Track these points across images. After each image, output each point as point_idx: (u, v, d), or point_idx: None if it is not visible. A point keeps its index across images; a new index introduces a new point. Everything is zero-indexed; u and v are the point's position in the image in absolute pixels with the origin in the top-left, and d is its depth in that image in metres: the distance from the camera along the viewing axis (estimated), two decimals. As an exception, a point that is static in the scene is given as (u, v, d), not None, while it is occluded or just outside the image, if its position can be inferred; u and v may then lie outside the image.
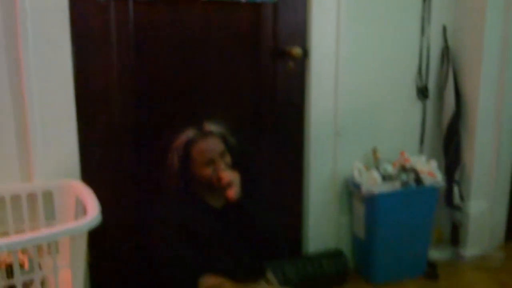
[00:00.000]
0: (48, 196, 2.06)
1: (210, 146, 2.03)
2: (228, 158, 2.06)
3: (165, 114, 2.38)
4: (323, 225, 2.86)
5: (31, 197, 2.04)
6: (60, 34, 2.04)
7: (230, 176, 1.97)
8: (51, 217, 2.06)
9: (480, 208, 3.13)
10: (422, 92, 3.01)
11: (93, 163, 2.24)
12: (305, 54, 2.61)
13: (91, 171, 2.22)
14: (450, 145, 3.03)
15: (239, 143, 2.13)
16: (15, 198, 2.01)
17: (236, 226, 2.03)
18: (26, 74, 1.97)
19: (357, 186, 2.76)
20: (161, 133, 2.28)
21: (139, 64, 2.29)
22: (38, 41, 1.98)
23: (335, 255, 2.83)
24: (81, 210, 1.94)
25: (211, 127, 2.08)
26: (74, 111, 2.12)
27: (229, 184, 1.96)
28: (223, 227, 2.04)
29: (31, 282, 1.70)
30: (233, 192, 1.95)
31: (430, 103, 3.08)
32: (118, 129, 2.30)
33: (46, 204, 2.05)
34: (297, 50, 2.53)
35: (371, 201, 2.73)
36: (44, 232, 1.63)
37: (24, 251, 1.78)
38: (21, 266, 1.74)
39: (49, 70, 2.03)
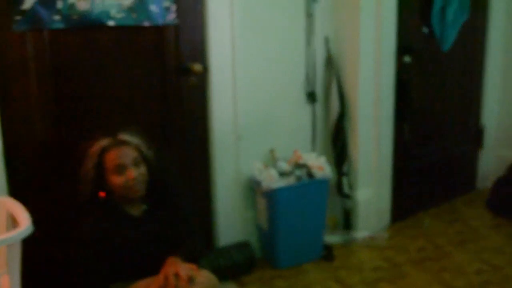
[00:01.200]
0: None
1: (122, 153, 2.06)
2: (143, 169, 2.11)
3: (83, 129, 2.46)
4: (231, 220, 3.03)
5: None
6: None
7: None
8: None
9: (366, 195, 3.40)
10: (311, 96, 3.25)
11: (20, 180, 2.34)
12: (205, 69, 2.77)
13: (18, 185, 2.32)
14: (337, 142, 3.29)
15: (155, 156, 2.19)
16: None
17: (154, 231, 2.12)
18: None
19: (258, 183, 2.96)
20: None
21: (57, 87, 2.40)
22: None
23: (243, 246, 3.01)
24: (11, 224, 2.01)
25: (125, 137, 2.12)
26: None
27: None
28: (142, 234, 2.09)
29: None
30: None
31: (319, 105, 3.31)
32: (40, 149, 2.40)
33: None
34: (197, 67, 2.70)
35: (271, 196, 2.94)
36: None
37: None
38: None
39: None
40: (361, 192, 3.40)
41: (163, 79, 2.72)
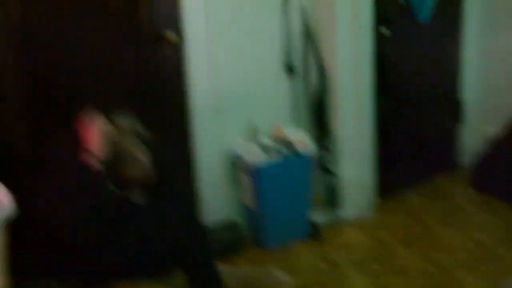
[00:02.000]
0: None
1: None
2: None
3: (56, 102, 2.43)
4: (216, 199, 2.97)
5: None
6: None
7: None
8: None
9: (350, 172, 3.32)
10: (289, 69, 3.16)
11: None
12: (180, 39, 2.69)
13: None
14: (318, 116, 3.22)
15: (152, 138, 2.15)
16: None
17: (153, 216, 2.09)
18: None
19: (240, 159, 2.90)
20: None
21: (27, 57, 2.33)
22: None
23: (230, 226, 2.96)
24: None
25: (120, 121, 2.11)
26: None
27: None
28: (141, 218, 2.07)
29: None
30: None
31: (299, 78, 3.23)
32: (15, 126, 2.35)
33: None
34: (172, 35, 2.64)
35: (256, 173, 2.87)
36: None
37: None
38: None
39: None
40: (344, 169, 3.33)
41: (136, 47, 2.65)
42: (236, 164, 3.02)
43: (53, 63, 2.41)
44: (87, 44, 2.49)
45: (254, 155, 2.86)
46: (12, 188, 1.83)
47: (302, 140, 3.02)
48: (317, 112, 3.24)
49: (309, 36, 3.18)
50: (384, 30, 3.37)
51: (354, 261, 2.88)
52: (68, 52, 2.44)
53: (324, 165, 3.27)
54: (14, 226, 1.77)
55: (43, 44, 2.38)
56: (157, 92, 2.68)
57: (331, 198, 3.36)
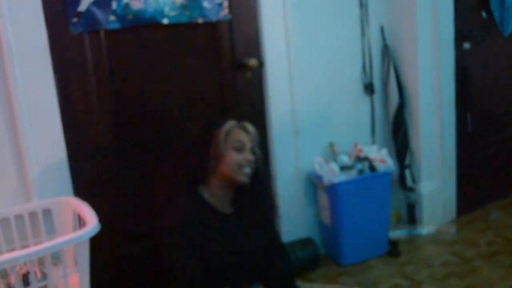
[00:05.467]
0: (47, 213, 2.18)
1: (245, 135, 2.13)
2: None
3: (142, 128, 2.54)
4: (293, 217, 2.98)
5: (32, 215, 2.16)
6: (43, 68, 2.19)
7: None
8: (51, 232, 2.18)
9: (431, 188, 3.30)
10: (369, 88, 3.19)
11: (84, 181, 2.38)
12: (261, 64, 2.75)
13: (83, 186, 2.36)
14: (398, 133, 3.21)
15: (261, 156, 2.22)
16: (18, 218, 2.14)
17: (243, 231, 2.12)
18: (17, 106, 2.12)
19: (319, 178, 2.91)
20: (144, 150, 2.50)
21: (115, 87, 2.43)
22: (25, 76, 2.13)
23: (307, 243, 2.97)
24: (77, 223, 2.09)
25: (247, 125, 2.18)
26: (62, 136, 2.27)
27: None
28: (231, 230, 2.10)
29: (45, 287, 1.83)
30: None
31: (377, 96, 3.24)
32: (102, 149, 2.43)
33: (46, 221, 2.18)
34: (253, 61, 2.69)
35: (332, 190, 2.89)
36: (57, 241, 1.76)
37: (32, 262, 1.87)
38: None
39: (37, 100, 2.18)
40: (425, 185, 3.31)
41: (219, 75, 2.70)
42: (314, 183, 3.06)
43: (139, 92, 2.54)
44: (175, 77, 2.61)
45: (333, 174, 2.87)
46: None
47: (381, 157, 3.01)
48: (396, 129, 3.23)
49: (388, 54, 3.19)
50: (466, 45, 3.34)
51: (436, 278, 2.82)
52: (155, 81, 2.56)
53: (403, 182, 3.27)
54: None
55: (132, 82, 2.51)
56: (238, 115, 2.74)
57: (410, 215, 3.35)
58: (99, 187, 2.44)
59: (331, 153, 3.04)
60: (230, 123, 2.13)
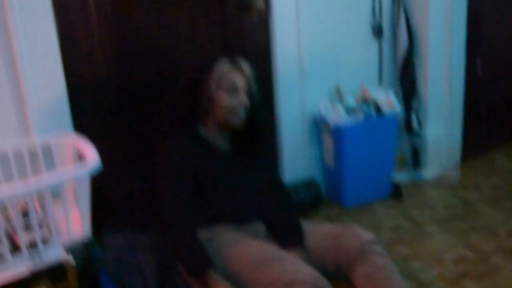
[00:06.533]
0: (47, 150, 2.15)
1: (239, 76, 2.03)
2: (248, 102, 2.05)
3: (144, 65, 2.51)
4: (296, 158, 3.00)
5: (32, 151, 2.13)
6: (43, 4, 2.15)
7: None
8: (51, 169, 2.13)
9: (436, 132, 3.31)
10: (377, 30, 3.15)
11: (84, 117, 2.36)
12: (267, 5, 2.71)
13: (83, 123, 2.34)
14: (406, 77, 3.20)
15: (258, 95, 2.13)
16: (17, 155, 2.10)
17: (241, 169, 2.09)
18: (16, 38, 2.07)
19: (324, 120, 2.92)
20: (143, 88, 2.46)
21: (117, 24, 2.39)
22: (23, 8, 2.08)
23: (310, 183, 2.99)
24: (77, 161, 2.07)
25: (242, 63, 2.06)
26: (61, 68, 2.23)
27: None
28: (229, 168, 2.05)
29: (44, 223, 1.85)
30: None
31: (386, 39, 3.21)
32: (103, 85, 2.41)
33: (46, 158, 2.14)
34: (259, 2, 2.65)
35: (338, 133, 2.90)
36: (57, 174, 1.75)
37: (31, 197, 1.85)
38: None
39: (36, 36, 2.14)
40: (430, 129, 3.32)
41: (224, 15, 2.67)
42: (318, 124, 3.06)
43: (142, 29, 2.50)
44: (180, 15, 2.56)
45: (338, 116, 2.88)
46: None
47: (388, 100, 3.00)
48: (405, 73, 3.20)
49: (399, -4, 3.13)
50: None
51: (438, 220, 2.85)
52: (158, 20, 2.52)
53: (409, 126, 3.27)
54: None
55: (135, 17, 2.46)
56: (244, 55, 2.74)
57: (415, 159, 3.36)
58: (99, 123, 2.43)
59: (337, 96, 3.03)
60: (222, 65, 2.05)
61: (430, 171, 3.37)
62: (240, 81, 2.04)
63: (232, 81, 2.02)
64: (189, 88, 2.10)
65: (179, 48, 2.59)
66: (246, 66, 2.08)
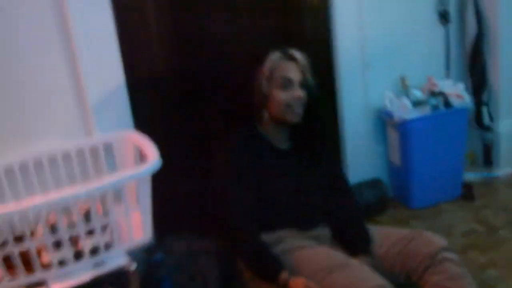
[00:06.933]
0: (108, 148, 2.14)
1: (292, 68, 1.95)
2: (305, 95, 1.96)
3: (204, 57, 2.47)
4: (360, 156, 2.92)
5: (93, 150, 2.13)
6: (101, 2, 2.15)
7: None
8: (112, 169, 2.13)
9: (510, 127, 3.16)
10: (443, 16, 3.01)
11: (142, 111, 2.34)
12: None
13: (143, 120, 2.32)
14: (475, 67, 3.07)
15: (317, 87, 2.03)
16: (80, 153, 2.10)
17: (301, 167, 2.01)
18: (75, 34, 2.07)
19: (389, 115, 2.80)
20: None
21: (175, 17, 2.39)
22: (81, 2, 2.08)
23: (375, 183, 2.89)
24: (138, 159, 2.02)
25: (296, 53, 1.98)
26: (120, 64, 2.22)
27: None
28: (288, 167, 2.00)
29: (106, 225, 1.80)
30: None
31: (453, 26, 3.08)
32: (162, 81, 2.41)
33: (107, 156, 2.14)
34: None
35: (404, 128, 2.77)
36: (119, 175, 1.70)
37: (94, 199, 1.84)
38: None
39: (95, 34, 2.13)
40: (503, 123, 3.15)
41: (283, 2, 2.63)
42: (383, 119, 2.94)
43: (200, 21, 2.45)
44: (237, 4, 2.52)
45: (404, 110, 2.75)
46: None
47: (457, 92, 2.86)
48: (474, 63, 3.08)
49: (467, -21, 3.01)
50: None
51: None
52: (216, 12, 2.48)
53: (480, 120, 3.13)
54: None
55: (193, 11, 2.43)
56: (303, 47, 2.65)
57: (486, 156, 3.23)
58: (158, 121, 2.41)
59: (403, 88, 2.90)
60: (273, 58, 1.95)
61: (503, 170, 3.20)
62: (293, 73, 1.94)
63: (284, 74, 1.93)
64: (242, 83, 2.04)
65: (238, 42, 2.55)
66: (300, 57, 1.97)
